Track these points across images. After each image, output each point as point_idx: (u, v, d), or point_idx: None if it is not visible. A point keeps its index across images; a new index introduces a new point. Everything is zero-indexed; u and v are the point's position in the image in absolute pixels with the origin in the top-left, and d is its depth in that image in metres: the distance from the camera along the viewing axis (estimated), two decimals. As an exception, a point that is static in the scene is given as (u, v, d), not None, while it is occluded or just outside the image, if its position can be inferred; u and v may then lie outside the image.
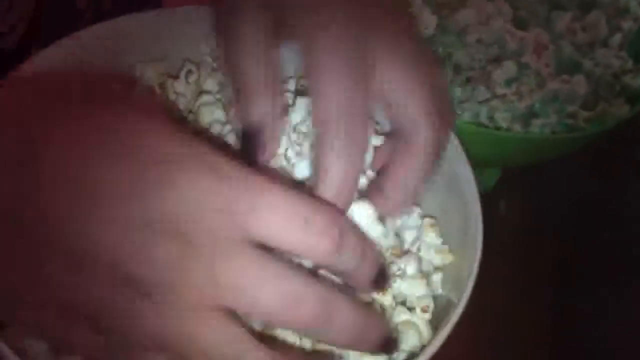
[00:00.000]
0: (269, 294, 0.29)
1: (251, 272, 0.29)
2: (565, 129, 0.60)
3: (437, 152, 0.40)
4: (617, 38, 0.65)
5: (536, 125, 0.60)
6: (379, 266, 0.34)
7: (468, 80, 0.61)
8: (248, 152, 0.40)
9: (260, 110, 0.39)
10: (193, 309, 0.29)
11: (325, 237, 0.31)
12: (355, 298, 0.36)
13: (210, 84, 0.49)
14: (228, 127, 0.46)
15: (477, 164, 0.60)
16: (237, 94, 0.39)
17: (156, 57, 0.50)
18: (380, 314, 0.40)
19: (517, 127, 0.59)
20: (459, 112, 0.60)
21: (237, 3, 0.39)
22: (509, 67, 0.61)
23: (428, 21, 0.60)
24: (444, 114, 0.40)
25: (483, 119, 0.60)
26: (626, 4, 0.66)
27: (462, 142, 0.47)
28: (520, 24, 0.63)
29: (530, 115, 0.60)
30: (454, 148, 0.46)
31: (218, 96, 0.49)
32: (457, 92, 0.60)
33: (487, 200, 0.46)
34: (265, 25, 0.39)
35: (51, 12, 0.58)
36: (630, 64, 0.65)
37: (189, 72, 0.48)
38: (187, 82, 0.48)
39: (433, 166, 0.40)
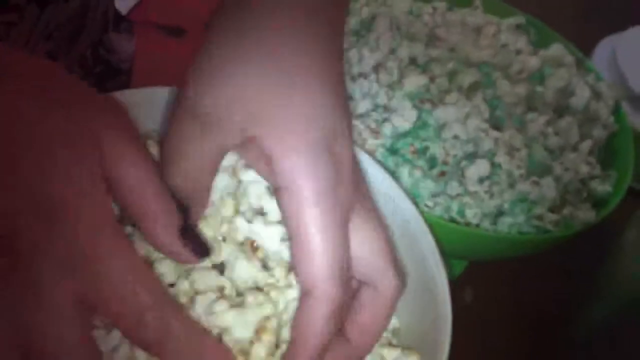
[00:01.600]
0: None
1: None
2: (532, 230, 0.62)
3: (396, 303, 0.42)
4: (587, 144, 0.67)
5: (504, 224, 0.62)
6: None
7: (442, 174, 0.63)
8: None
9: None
10: None
11: None
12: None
13: None
14: None
15: (445, 255, 0.62)
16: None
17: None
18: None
19: (486, 224, 0.61)
20: (431, 205, 0.61)
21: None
22: (483, 165, 0.63)
23: (407, 115, 0.62)
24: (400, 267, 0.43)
25: (454, 213, 0.61)
26: (596, 112, 0.69)
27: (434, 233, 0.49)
28: (496, 123, 0.66)
29: (499, 213, 0.62)
30: (425, 237, 0.49)
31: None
32: (430, 185, 0.62)
33: (452, 288, 0.48)
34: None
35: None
36: (598, 170, 0.67)
37: None
38: None
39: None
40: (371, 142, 0.62)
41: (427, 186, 0.61)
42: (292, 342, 0.39)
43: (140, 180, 0.37)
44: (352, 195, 0.40)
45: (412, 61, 0.68)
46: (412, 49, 0.68)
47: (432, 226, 0.49)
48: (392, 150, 0.62)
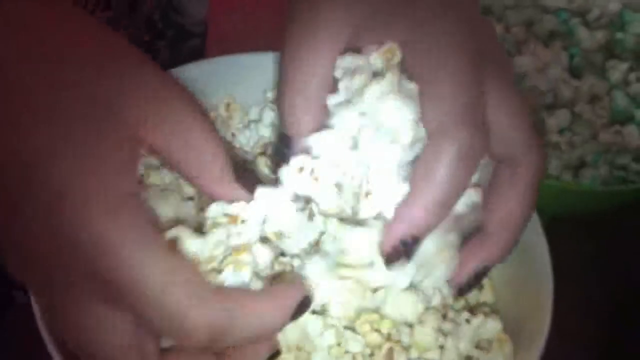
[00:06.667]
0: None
1: None
2: (616, 181, 0.60)
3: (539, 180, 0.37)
4: (672, 90, 0.65)
5: (586, 175, 0.60)
6: None
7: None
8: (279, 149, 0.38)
9: (306, 126, 0.36)
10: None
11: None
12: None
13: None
14: None
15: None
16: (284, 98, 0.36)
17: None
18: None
19: (567, 177, 0.60)
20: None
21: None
22: (563, 116, 0.61)
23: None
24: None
25: (534, 166, 0.60)
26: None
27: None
28: (575, 71, 0.64)
29: (580, 165, 0.60)
30: None
31: None
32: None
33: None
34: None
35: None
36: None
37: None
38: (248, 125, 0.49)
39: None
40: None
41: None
42: (411, 190, 0.34)
43: (187, 141, 0.32)
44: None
45: (487, 10, 0.66)
46: (485, -3, 0.67)
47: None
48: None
